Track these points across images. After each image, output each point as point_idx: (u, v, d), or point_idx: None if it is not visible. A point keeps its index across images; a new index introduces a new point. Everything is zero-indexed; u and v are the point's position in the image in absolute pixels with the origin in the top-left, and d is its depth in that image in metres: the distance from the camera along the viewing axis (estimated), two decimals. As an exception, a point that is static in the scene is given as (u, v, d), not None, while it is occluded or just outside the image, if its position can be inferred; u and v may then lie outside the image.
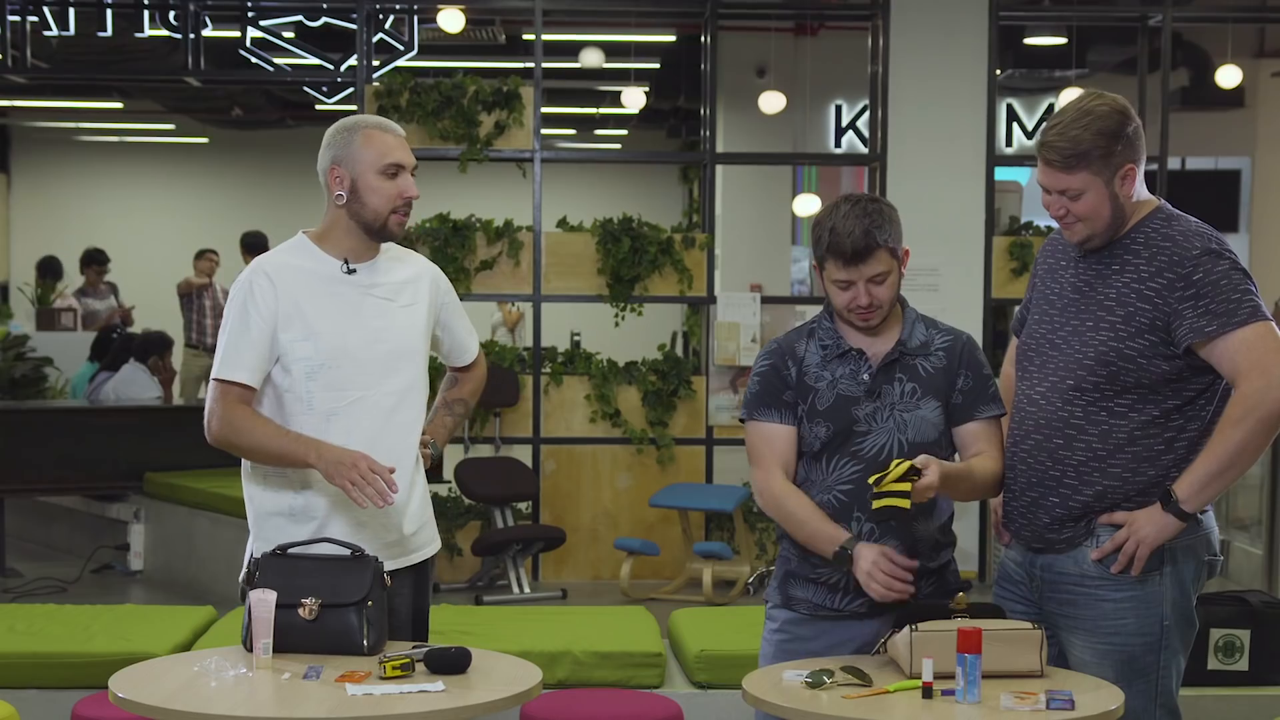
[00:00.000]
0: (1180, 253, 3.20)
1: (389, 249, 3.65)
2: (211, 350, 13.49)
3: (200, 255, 12.79)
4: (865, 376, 3.40)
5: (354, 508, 3.47)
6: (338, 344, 3.51)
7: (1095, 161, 3.20)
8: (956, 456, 3.46)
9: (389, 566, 3.49)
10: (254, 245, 12.26)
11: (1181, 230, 3.24)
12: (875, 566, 3.24)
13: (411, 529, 3.62)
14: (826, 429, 3.39)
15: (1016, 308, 3.59)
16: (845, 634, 3.43)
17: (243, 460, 3.58)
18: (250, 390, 3.49)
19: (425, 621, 3.69)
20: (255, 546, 3.57)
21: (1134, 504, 3.23)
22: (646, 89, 13.52)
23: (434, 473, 8.93)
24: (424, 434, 3.70)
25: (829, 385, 3.41)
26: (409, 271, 3.66)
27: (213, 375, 3.52)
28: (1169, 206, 3.32)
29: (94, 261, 13.13)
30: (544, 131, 9.08)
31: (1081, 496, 3.25)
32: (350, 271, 3.57)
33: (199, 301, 12.48)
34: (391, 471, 3.37)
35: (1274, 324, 3.18)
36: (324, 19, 9.84)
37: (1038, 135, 3.32)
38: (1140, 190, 3.29)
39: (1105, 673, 3.23)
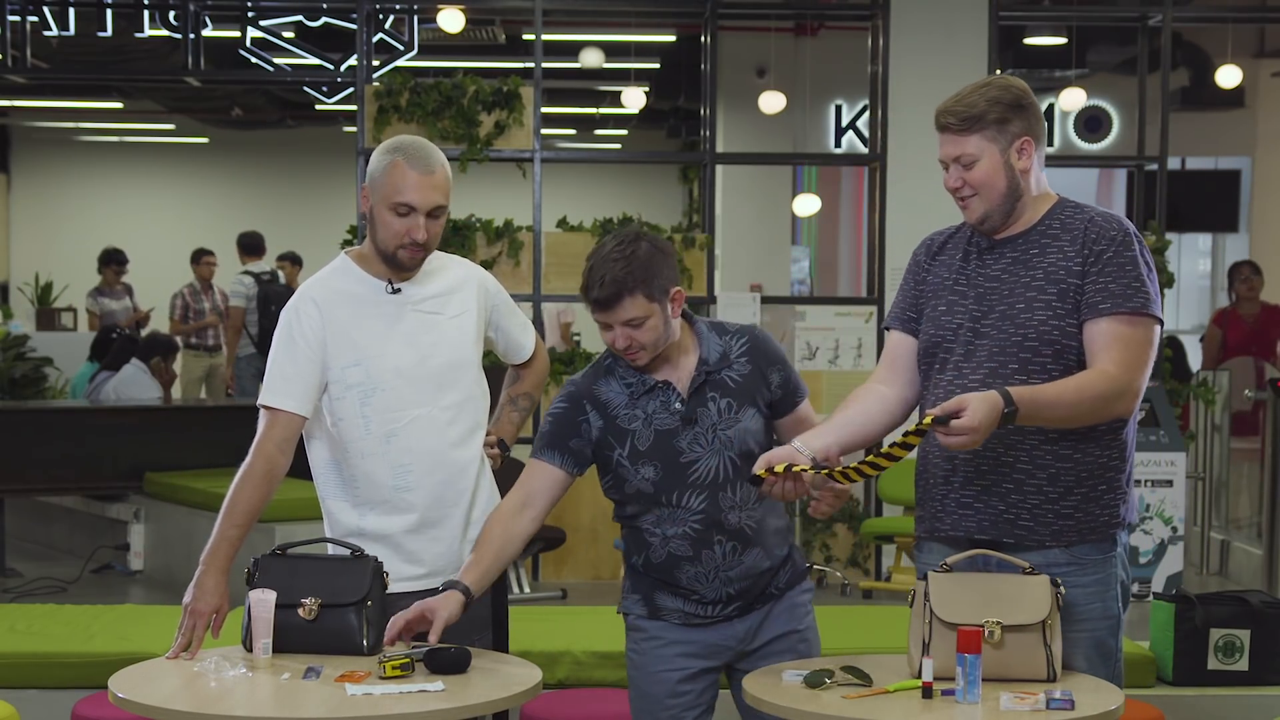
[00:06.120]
0: (1098, 231, 3.23)
1: (432, 258, 3.59)
2: (210, 351, 13.49)
3: (197, 259, 12.79)
4: (678, 405, 3.39)
5: (425, 528, 3.51)
6: (389, 366, 3.49)
7: (990, 126, 3.24)
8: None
9: (456, 577, 3.52)
10: (250, 246, 12.23)
11: (1099, 213, 3.28)
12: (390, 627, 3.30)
13: (475, 536, 3.58)
14: (654, 468, 3.38)
15: (892, 304, 3.53)
16: (718, 635, 3.48)
17: (314, 477, 3.59)
18: (298, 418, 3.47)
19: (505, 622, 3.70)
20: None
21: (1085, 489, 3.21)
22: (646, 89, 13.52)
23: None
24: (491, 434, 3.70)
25: (644, 423, 3.39)
26: (454, 279, 3.62)
27: (259, 401, 3.50)
28: (1072, 200, 3.35)
29: (113, 261, 13.16)
30: (544, 131, 9.09)
31: (1035, 480, 3.22)
32: (395, 291, 3.54)
33: (197, 305, 12.49)
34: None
35: (1158, 325, 3.20)
36: (324, 19, 9.85)
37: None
38: (1043, 182, 3.32)
39: (1076, 662, 3.22)
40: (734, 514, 3.39)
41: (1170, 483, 7.96)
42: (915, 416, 3.32)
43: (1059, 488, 3.21)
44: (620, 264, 3.29)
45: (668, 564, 3.43)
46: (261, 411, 3.50)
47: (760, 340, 3.49)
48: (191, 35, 9.71)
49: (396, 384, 3.49)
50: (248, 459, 3.47)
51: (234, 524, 3.44)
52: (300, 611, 3.35)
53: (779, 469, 3.15)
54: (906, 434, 3.06)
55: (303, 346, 3.48)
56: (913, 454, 3.27)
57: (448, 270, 3.64)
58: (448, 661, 3.22)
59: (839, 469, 3.16)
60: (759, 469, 3.18)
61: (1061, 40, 11.15)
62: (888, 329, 3.50)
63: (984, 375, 3.25)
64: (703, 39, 9.39)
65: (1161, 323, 3.23)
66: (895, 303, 3.49)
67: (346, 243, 8.67)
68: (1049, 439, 3.20)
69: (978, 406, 3.01)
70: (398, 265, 3.51)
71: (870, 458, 3.14)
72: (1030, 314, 3.22)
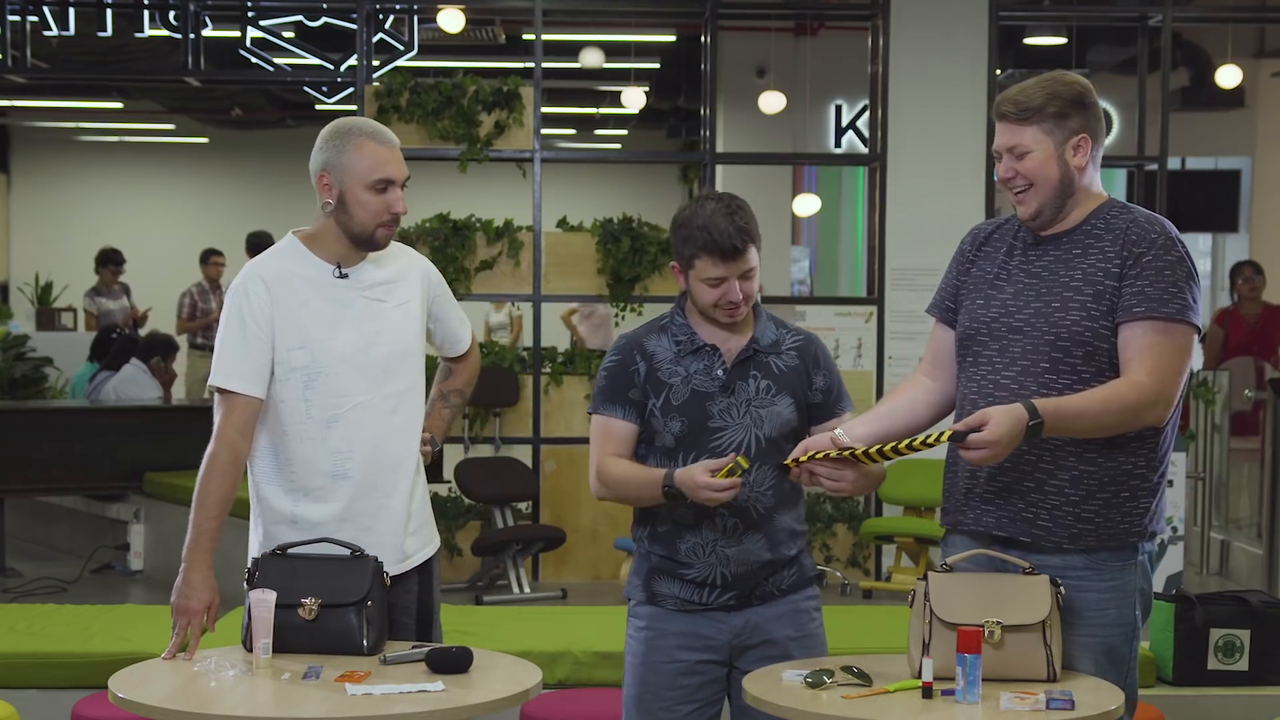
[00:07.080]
0: (1140, 233, 3.23)
1: None
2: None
3: (206, 259, 12.81)
4: (719, 372, 3.45)
5: (358, 517, 3.49)
6: (335, 351, 3.48)
7: (1048, 120, 3.24)
8: None
9: (394, 571, 3.50)
10: (259, 246, 12.28)
11: (1144, 215, 3.28)
12: (703, 487, 3.28)
13: (413, 529, 3.61)
14: (681, 424, 3.44)
15: (937, 290, 3.55)
16: (713, 627, 3.48)
17: (249, 465, 3.55)
18: (255, 401, 3.45)
19: (430, 620, 3.68)
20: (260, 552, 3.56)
21: (1108, 494, 3.21)
22: (646, 89, 13.52)
23: (433, 471, 9.02)
24: (425, 431, 3.69)
25: (683, 380, 3.45)
26: (399, 267, 3.62)
27: (210, 381, 3.48)
28: (1120, 200, 3.35)
29: (110, 261, 13.18)
30: (544, 131, 9.09)
31: (1057, 481, 3.21)
32: (342, 276, 3.53)
33: (205, 305, 12.50)
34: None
35: (1195, 333, 3.19)
36: (324, 19, 9.85)
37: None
38: (1096, 182, 3.32)
39: (1085, 666, 3.21)
40: (742, 490, 3.38)
41: (1170, 483, 7.94)
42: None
43: (1081, 491, 3.20)
44: (740, 215, 3.40)
45: (670, 534, 3.46)
46: (217, 397, 3.47)
47: (813, 343, 3.57)
48: (191, 35, 9.71)
49: (341, 370, 3.48)
50: (210, 448, 3.44)
51: (208, 516, 3.42)
52: (300, 611, 3.35)
53: (805, 458, 3.21)
54: (929, 439, 3.10)
55: (252, 327, 3.46)
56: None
57: (393, 257, 3.62)
58: (448, 661, 3.22)
59: (871, 449, 3.19)
60: (792, 458, 3.23)
61: (1061, 40, 11.14)
62: (932, 315, 3.52)
63: (1015, 373, 3.25)
64: (703, 39, 9.39)
65: (1198, 329, 3.21)
66: (939, 290, 3.52)
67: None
68: (1074, 441, 3.20)
69: (999, 421, 3.01)
70: (373, 245, 3.52)
71: (904, 443, 3.19)
72: (1065, 314, 3.22)
